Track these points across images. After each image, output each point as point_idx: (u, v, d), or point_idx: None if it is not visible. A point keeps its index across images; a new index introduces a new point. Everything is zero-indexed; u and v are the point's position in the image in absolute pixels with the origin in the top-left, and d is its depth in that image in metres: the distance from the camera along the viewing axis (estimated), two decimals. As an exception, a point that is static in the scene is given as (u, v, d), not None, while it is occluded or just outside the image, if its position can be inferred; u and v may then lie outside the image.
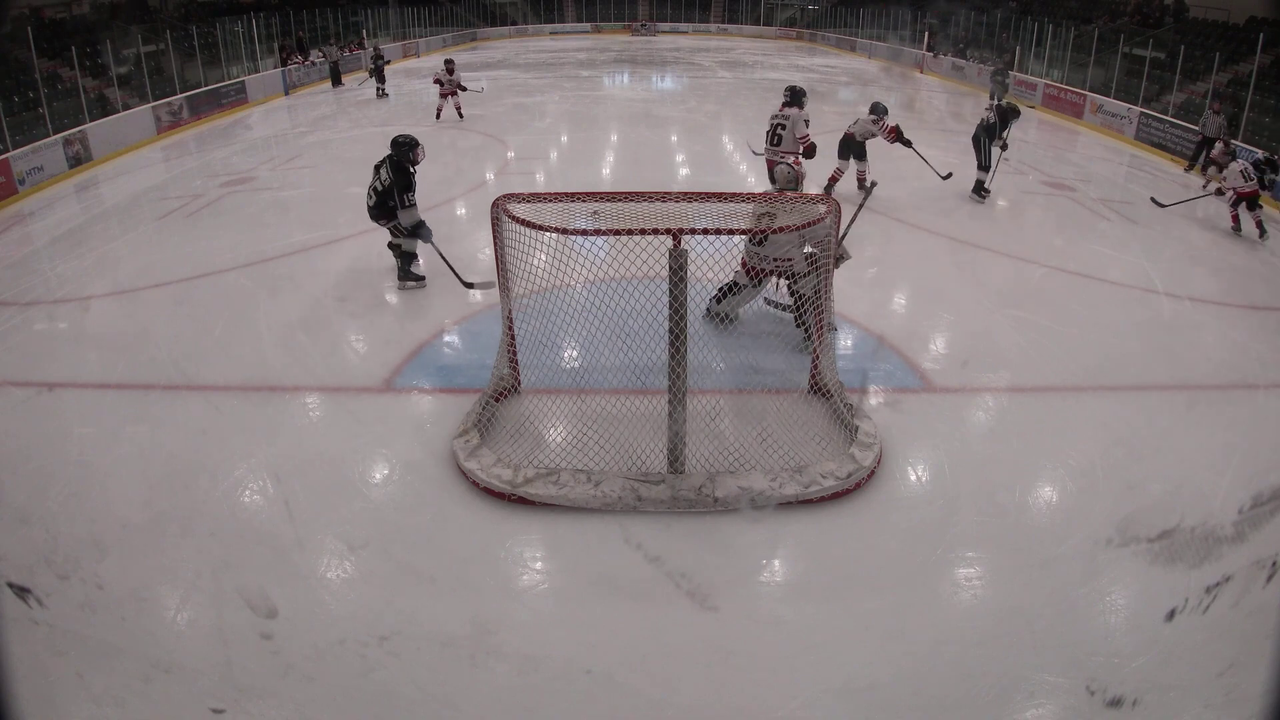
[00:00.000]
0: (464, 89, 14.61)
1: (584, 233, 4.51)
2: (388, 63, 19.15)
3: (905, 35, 26.85)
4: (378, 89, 18.49)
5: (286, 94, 19.48)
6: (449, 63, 14.91)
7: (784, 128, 8.05)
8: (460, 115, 14.84)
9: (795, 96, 8.24)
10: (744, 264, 5.48)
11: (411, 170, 6.33)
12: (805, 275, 5.07)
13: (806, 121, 8.10)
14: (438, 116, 14.81)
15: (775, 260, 5.34)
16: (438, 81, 14.59)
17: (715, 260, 4.07)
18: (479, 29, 36.51)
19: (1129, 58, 15.59)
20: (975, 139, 9.57)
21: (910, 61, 25.69)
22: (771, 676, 3.13)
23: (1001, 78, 17.35)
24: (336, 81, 21.09)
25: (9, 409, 5.12)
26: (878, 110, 9.29)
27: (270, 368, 5.53)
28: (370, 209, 6.57)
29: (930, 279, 7.28)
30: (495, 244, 4.52)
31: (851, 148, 9.39)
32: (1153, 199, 9.86)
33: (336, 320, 6.29)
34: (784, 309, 5.92)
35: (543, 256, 4.49)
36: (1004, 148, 9.58)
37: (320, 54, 21.69)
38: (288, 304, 6.58)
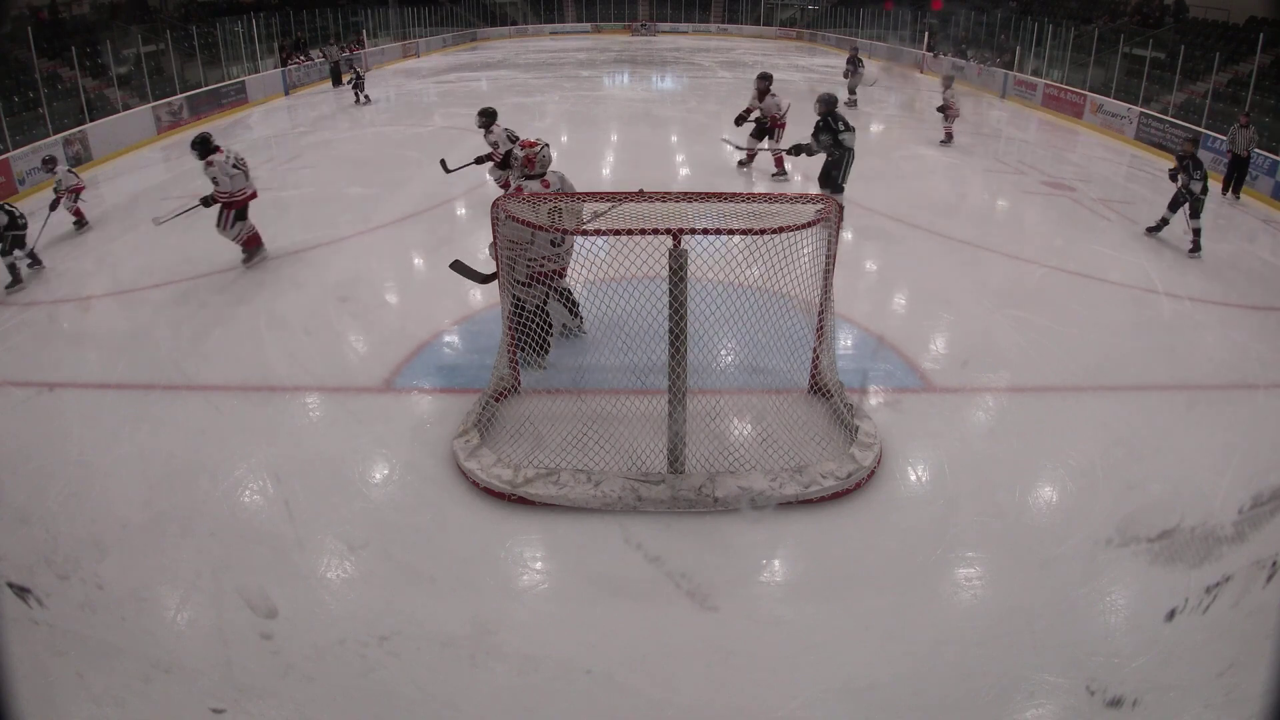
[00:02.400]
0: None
1: (584, 233, 4.52)
2: (368, 69, 18.34)
3: (905, 35, 26.84)
4: (359, 96, 17.59)
5: (286, 94, 19.47)
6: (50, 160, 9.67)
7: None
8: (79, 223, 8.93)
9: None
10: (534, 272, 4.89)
11: None
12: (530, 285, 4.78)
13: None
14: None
15: (551, 260, 4.92)
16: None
17: (715, 260, 4.07)
18: (479, 29, 36.48)
19: (1129, 58, 15.58)
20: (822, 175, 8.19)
21: (910, 61, 25.68)
22: (771, 676, 3.13)
23: (854, 66, 16.62)
24: (337, 82, 21.08)
25: (9, 409, 5.11)
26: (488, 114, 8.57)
27: (270, 368, 5.53)
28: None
29: (930, 279, 7.27)
30: (495, 244, 4.52)
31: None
32: (441, 161, 8.99)
33: (336, 320, 6.29)
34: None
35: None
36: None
37: (321, 54, 21.70)
38: (288, 304, 6.59)
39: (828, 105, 7.92)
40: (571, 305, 5.40)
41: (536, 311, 4.77)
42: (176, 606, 3.46)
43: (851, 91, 16.89)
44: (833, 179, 7.94)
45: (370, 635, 3.26)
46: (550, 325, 5.07)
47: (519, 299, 4.75)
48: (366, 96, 17.88)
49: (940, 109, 13.20)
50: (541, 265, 4.84)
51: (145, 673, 3.10)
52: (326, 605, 3.46)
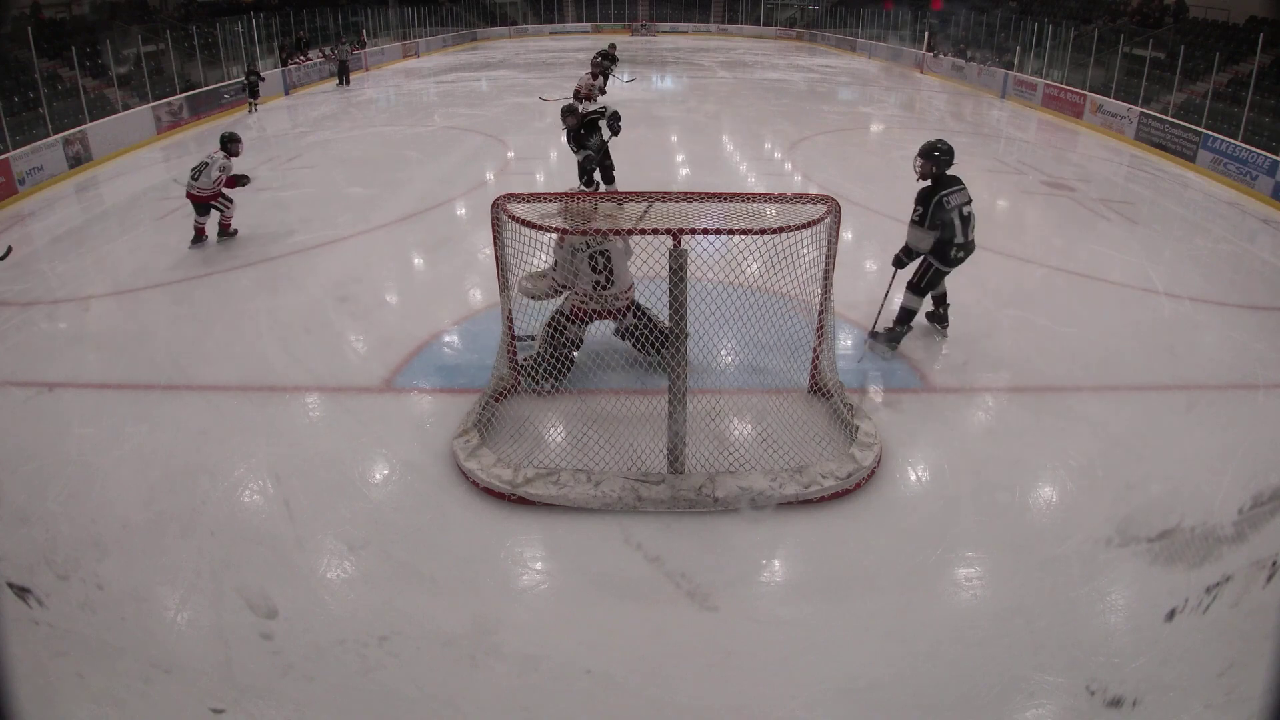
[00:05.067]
0: None
1: (584, 233, 4.52)
2: (262, 79, 17.38)
3: (905, 35, 26.86)
4: (250, 105, 16.90)
5: (287, 94, 19.48)
6: None
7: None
8: None
9: None
10: (578, 311, 4.89)
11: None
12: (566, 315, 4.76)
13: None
14: None
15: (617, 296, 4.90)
16: None
17: (715, 260, 4.07)
18: (479, 29, 36.50)
19: (1129, 58, 15.58)
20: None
21: (910, 62, 25.69)
22: (771, 676, 3.13)
23: (606, 63, 14.99)
24: (343, 80, 21.16)
25: (9, 409, 5.11)
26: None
27: (270, 368, 5.53)
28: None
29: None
30: (495, 244, 4.52)
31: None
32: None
33: (336, 320, 6.29)
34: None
35: (543, 256, 4.50)
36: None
37: (321, 54, 21.75)
38: (288, 304, 6.59)
39: (572, 116, 8.33)
40: (642, 344, 5.06)
41: (568, 343, 4.77)
42: (176, 606, 3.46)
43: (602, 89, 14.44)
44: (607, 169, 8.76)
45: (370, 635, 3.26)
46: (571, 361, 5.06)
47: (556, 326, 4.81)
48: (255, 106, 17.01)
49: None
50: (583, 302, 4.85)
51: (145, 673, 3.10)
52: (326, 605, 3.46)
